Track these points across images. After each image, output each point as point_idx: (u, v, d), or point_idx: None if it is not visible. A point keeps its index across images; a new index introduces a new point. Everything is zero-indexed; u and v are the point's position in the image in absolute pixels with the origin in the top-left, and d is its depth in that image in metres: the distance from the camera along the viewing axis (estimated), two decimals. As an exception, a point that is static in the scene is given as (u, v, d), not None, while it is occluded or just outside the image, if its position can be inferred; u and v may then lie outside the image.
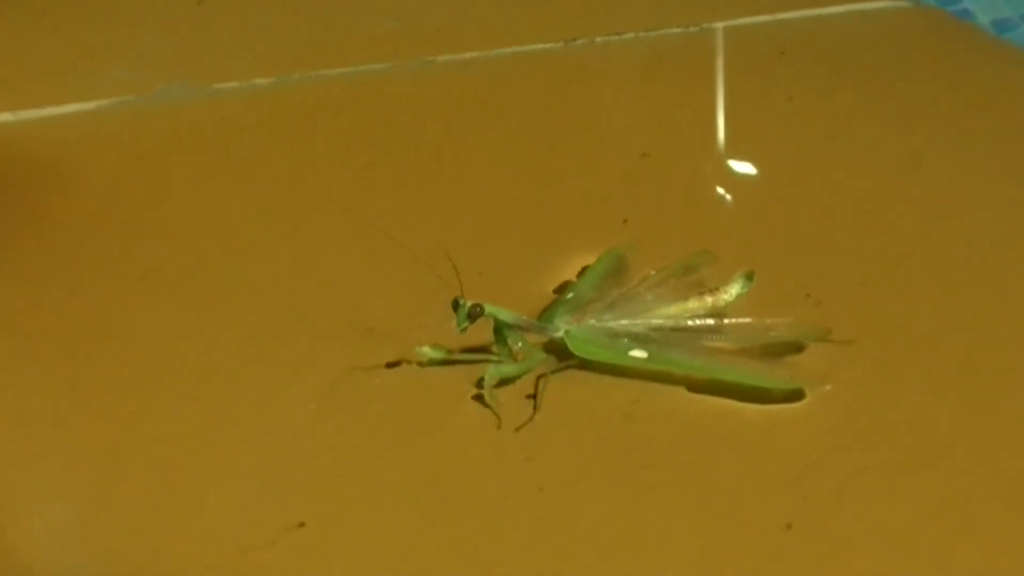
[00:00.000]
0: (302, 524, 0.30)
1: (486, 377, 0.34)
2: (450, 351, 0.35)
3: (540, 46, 0.56)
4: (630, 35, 0.56)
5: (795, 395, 0.34)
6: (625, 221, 0.43)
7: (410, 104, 0.52)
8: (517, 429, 0.33)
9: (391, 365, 0.35)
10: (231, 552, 0.30)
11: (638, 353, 0.34)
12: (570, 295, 0.37)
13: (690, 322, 0.36)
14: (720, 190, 0.46)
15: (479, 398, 0.34)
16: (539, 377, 0.35)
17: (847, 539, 0.30)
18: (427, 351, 0.34)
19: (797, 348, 0.36)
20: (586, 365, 0.35)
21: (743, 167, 0.48)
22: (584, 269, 0.39)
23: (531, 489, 0.31)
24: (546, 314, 0.36)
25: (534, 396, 0.34)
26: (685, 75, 0.54)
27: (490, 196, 0.45)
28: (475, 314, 0.34)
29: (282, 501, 0.31)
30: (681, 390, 0.34)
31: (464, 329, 0.34)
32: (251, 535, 0.30)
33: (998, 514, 0.30)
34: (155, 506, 0.31)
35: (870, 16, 0.58)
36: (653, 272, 0.38)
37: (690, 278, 0.38)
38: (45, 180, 0.45)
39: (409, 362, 0.35)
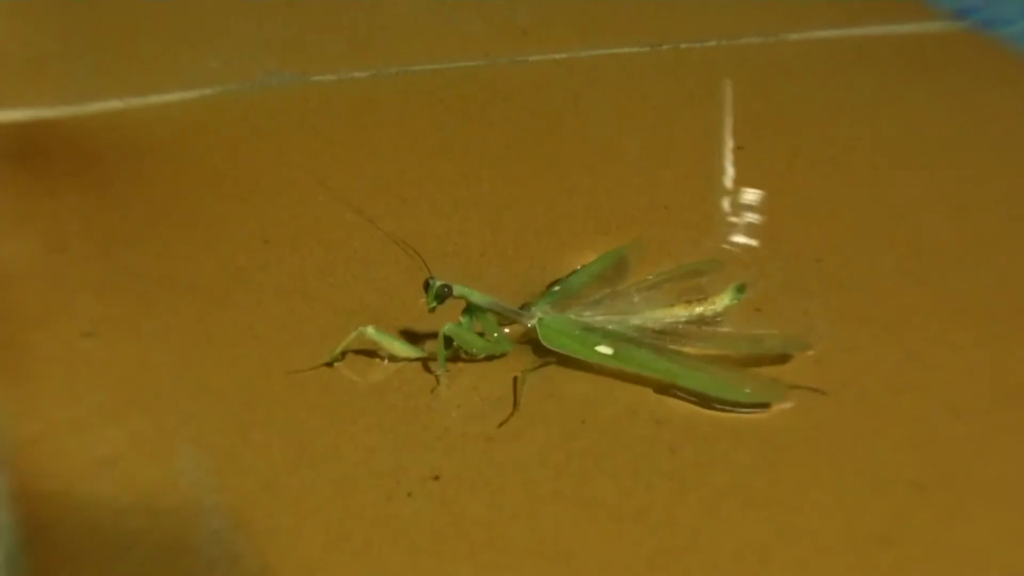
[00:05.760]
0: (437, 477, 0.32)
1: (442, 330, 0.35)
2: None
3: (625, 50, 0.58)
4: (712, 43, 0.57)
5: (761, 405, 0.34)
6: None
7: (501, 97, 0.55)
8: (500, 425, 0.34)
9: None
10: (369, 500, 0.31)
11: (604, 349, 0.35)
12: (557, 288, 0.38)
13: (670, 324, 0.36)
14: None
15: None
16: (516, 377, 0.36)
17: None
18: (371, 332, 0.36)
19: (778, 359, 0.36)
20: (563, 361, 0.36)
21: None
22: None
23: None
24: (527, 304, 0.37)
25: (514, 394, 0.35)
26: (767, 80, 0.56)
27: (567, 182, 0.48)
28: (444, 294, 0.35)
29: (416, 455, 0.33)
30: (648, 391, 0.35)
31: (433, 309, 0.35)
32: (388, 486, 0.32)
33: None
34: (290, 453, 0.33)
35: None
36: (650, 276, 0.39)
37: (687, 284, 0.38)
38: (156, 160, 0.49)
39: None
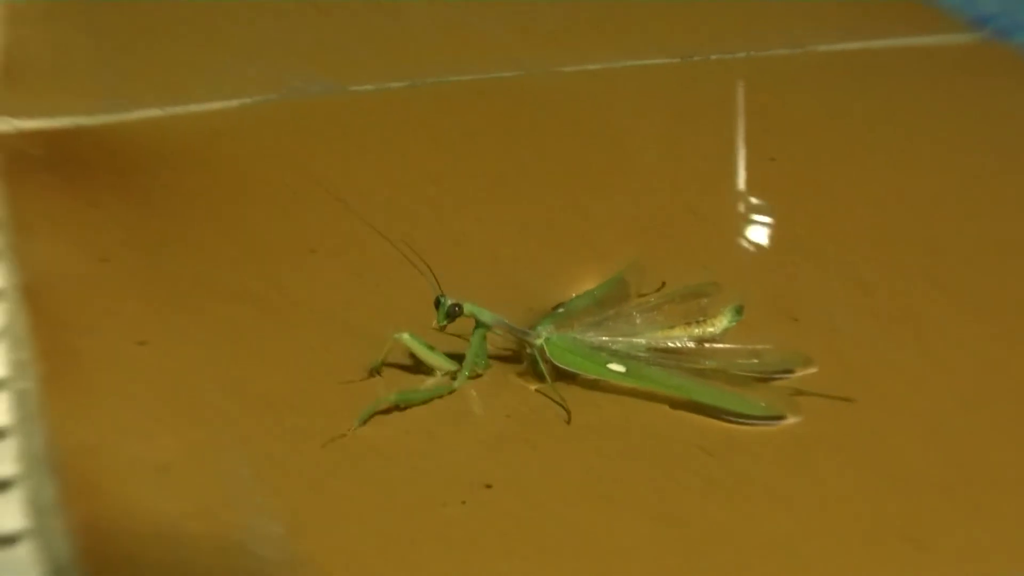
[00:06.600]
0: (489, 486, 0.33)
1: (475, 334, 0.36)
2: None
3: (656, 61, 0.60)
4: (741, 54, 0.58)
5: (774, 418, 0.36)
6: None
7: (535, 107, 0.57)
8: (568, 422, 0.36)
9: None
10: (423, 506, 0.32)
11: (616, 367, 0.37)
12: (560, 310, 0.39)
13: (672, 343, 0.38)
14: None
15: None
16: (537, 389, 0.37)
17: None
18: (406, 338, 0.36)
19: (782, 373, 0.38)
20: (569, 380, 0.37)
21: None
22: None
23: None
24: (532, 325, 0.38)
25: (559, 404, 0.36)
26: (794, 90, 0.57)
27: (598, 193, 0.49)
28: (454, 313, 0.36)
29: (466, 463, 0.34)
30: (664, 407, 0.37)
31: (444, 327, 0.36)
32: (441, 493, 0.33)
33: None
34: (341, 460, 0.34)
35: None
36: (651, 298, 0.40)
37: (687, 305, 0.39)
38: (195, 168, 0.50)
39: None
